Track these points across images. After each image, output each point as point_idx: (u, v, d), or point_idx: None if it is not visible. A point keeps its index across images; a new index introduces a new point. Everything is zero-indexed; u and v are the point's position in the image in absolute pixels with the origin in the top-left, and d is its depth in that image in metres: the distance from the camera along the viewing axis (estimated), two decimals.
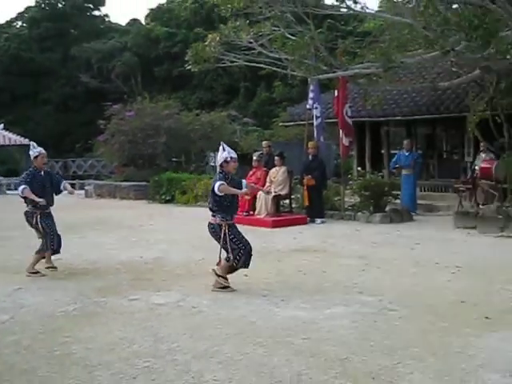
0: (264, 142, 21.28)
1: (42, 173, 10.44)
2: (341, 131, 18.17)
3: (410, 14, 15.43)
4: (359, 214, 17.30)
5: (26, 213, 10.31)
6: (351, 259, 11.37)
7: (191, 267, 10.67)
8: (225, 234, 8.70)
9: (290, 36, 16.35)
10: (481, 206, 16.17)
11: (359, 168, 21.50)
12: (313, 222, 16.83)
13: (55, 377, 5.52)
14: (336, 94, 18.38)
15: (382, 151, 24.52)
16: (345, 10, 15.58)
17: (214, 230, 8.89)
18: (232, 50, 17.99)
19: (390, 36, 16.87)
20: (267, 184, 17.28)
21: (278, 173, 17.32)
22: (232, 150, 9.14)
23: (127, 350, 6.22)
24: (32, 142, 10.84)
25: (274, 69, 17.75)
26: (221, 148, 9.14)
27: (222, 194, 8.66)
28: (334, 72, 16.17)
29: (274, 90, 43.62)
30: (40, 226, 10.12)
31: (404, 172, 18.81)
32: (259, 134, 35.48)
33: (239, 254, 8.74)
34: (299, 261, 11.25)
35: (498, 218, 14.54)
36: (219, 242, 8.81)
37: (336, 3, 16.23)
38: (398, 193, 18.42)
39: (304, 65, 16.28)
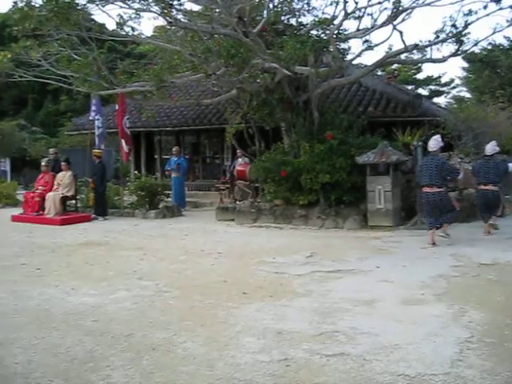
0: (51, 149, 20.62)
1: None
2: (122, 140, 18.10)
3: (179, 41, 15.73)
4: (137, 211, 17.33)
5: None
6: (131, 250, 11.40)
7: None
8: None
9: (75, 56, 15.98)
10: (238, 202, 16.80)
11: (136, 171, 21.48)
12: (96, 219, 16.60)
13: None
14: (117, 107, 18.27)
15: (155, 156, 24.74)
16: (123, 34, 15.43)
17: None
18: (21, 66, 17.22)
19: (162, 59, 17.01)
20: (55, 187, 16.81)
21: (64, 176, 16.86)
22: None
23: None
24: None
25: (61, 84, 17.24)
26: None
27: None
28: (114, 89, 16.02)
29: (60, 102, 42.19)
30: None
31: (173, 174, 19.12)
32: (47, 141, 34.13)
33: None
34: (86, 254, 11.09)
35: (251, 212, 15.26)
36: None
37: (116, 29, 16.01)
38: (170, 192, 18.71)
39: (87, 82, 15.96)
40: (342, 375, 4.82)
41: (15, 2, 15.18)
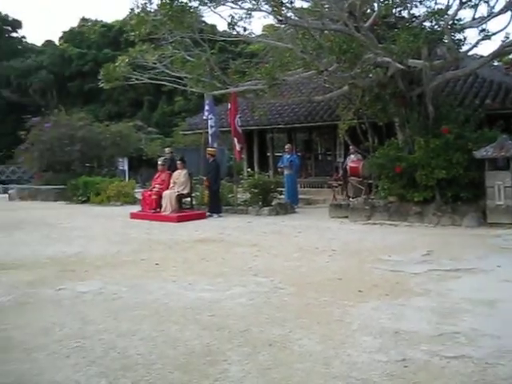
0: (167, 149, 21.31)
1: None
2: (234, 138, 18.41)
3: (289, 39, 15.79)
4: (250, 208, 17.54)
5: None
6: (245, 247, 11.52)
7: (109, 259, 10.54)
8: None
9: (188, 57, 16.41)
10: (351, 199, 16.66)
11: (249, 169, 21.75)
12: (211, 216, 16.95)
13: None
14: (229, 106, 18.58)
15: (268, 154, 24.94)
16: (235, 34, 15.70)
17: None
18: (138, 69, 17.87)
19: (274, 57, 17.18)
20: (171, 185, 17.33)
21: (180, 175, 17.36)
22: None
23: (59, 333, 6.13)
24: None
25: (175, 86, 17.77)
26: None
27: None
28: (227, 88, 16.33)
29: (174, 103, 43.47)
30: None
31: (286, 172, 19.21)
32: (162, 141, 35.34)
33: None
34: (201, 250, 11.31)
35: (365, 209, 15.07)
36: None
37: (227, 29, 16.32)
38: (282, 189, 18.81)
39: (201, 82, 16.37)
40: (463, 378, 4.64)
41: (132, 9, 15.79)
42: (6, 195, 29.32)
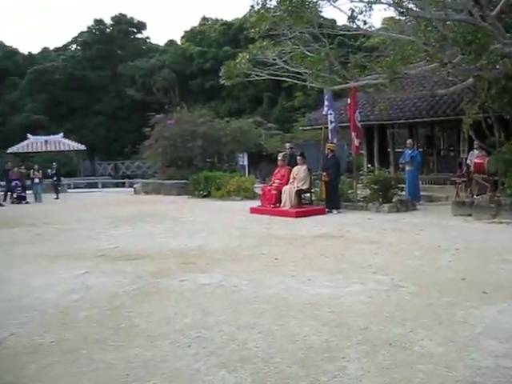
0: (287, 144, 21.40)
1: None
2: (352, 133, 18.24)
3: (411, 31, 15.43)
4: (370, 204, 17.29)
5: None
6: (365, 244, 11.36)
7: (229, 253, 10.74)
8: None
9: (308, 53, 16.43)
10: (475, 196, 16.07)
11: (369, 165, 21.49)
12: (330, 212, 16.87)
13: (123, 345, 5.66)
14: (348, 101, 18.43)
15: (388, 150, 24.52)
16: (354, 27, 15.55)
17: None
18: (257, 66, 18.09)
19: (394, 51, 16.85)
20: (291, 180, 17.41)
21: (299, 170, 17.39)
22: None
23: (181, 322, 6.33)
24: None
25: (295, 81, 17.85)
26: None
27: None
28: (347, 83, 16.22)
29: (293, 99, 43.64)
30: None
31: (407, 168, 18.81)
32: (281, 137, 35.56)
33: None
34: (320, 246, 11.29)
35: (490, 207, 14.47)
36: None
37: (347, 23, 16.17)
38: (403, 186, 18.42)
39: (320, 77, 16.36)
40: None
41: (252, 6, 16.02)
42: (132, 189, 30.66)
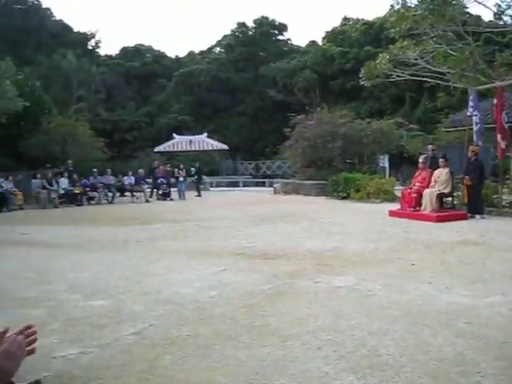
0: (429, 146, 20.87)
1: None
2: (499, 135, 17.47)
3: None
4: None
5: None
6: (509, 252, 10.79)
7: (365, 256, 10.65)
8: None
9: (451, 52, 15.96)
10: None
11: None
12: (473, 217, 16.22)
13: (255, 343, 5.78)
14: (495, 101, 17.67)
15: None
16: (501, 24, 14.91)
17: None
18: (398, 66, 17.82)
19: None
20: (432, 183, 16.96)
21: (441, 173, 16.89)
22: None
23: (313, 324, 6.36)
24: None
25: (437, 81, 17.40)
26: None
27: None
28: (493, 82, 15.58)
29: (436, 99, 42.51)
30: None
31: None
32: (423, 138, 34.72)
33: None
34: (461, 252, 10.88)
35: None
36: None
37: (493, 19, 15.54)
38: None
39: (464, 77, 15.85)
40: None
41: (392, 5, 15.82)
42: (272, 189, 31.18)
